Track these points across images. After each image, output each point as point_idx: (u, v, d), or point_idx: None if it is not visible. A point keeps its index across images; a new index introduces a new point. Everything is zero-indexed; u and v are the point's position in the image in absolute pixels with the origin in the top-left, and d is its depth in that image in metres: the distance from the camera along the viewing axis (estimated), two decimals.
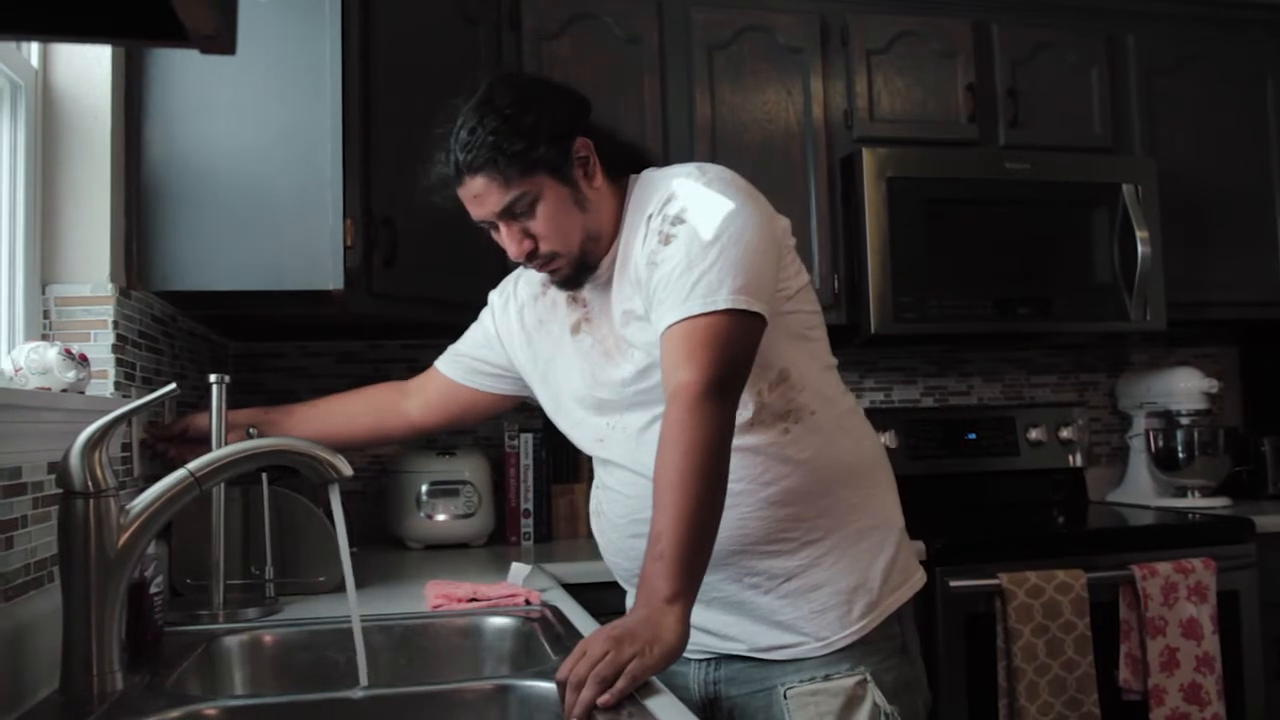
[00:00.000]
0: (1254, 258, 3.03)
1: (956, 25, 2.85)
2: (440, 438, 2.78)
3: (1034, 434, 3.06)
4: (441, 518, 2.49)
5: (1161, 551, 2.42)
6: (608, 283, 1.49)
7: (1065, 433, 3.09)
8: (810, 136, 2.74)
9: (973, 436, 3.04)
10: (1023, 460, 3.05)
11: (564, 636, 1.44)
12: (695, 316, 1.30)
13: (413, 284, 2.19)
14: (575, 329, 1.54)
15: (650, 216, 1.40)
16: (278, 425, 1.84)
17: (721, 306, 1.30)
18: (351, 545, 2.07)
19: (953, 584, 2.28)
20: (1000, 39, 2.88)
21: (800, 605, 1.41)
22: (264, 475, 1.81)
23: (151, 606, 1.36)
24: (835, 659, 1.40)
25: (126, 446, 1.70)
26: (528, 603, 1.66)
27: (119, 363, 1.69)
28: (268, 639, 1.51)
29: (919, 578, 1.55)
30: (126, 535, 1.19)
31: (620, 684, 1.07)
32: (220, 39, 0.86)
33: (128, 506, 1.21)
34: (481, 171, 1.39)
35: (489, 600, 1.65)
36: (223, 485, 1.71)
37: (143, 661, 1.31)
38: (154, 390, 1.86)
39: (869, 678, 1.40)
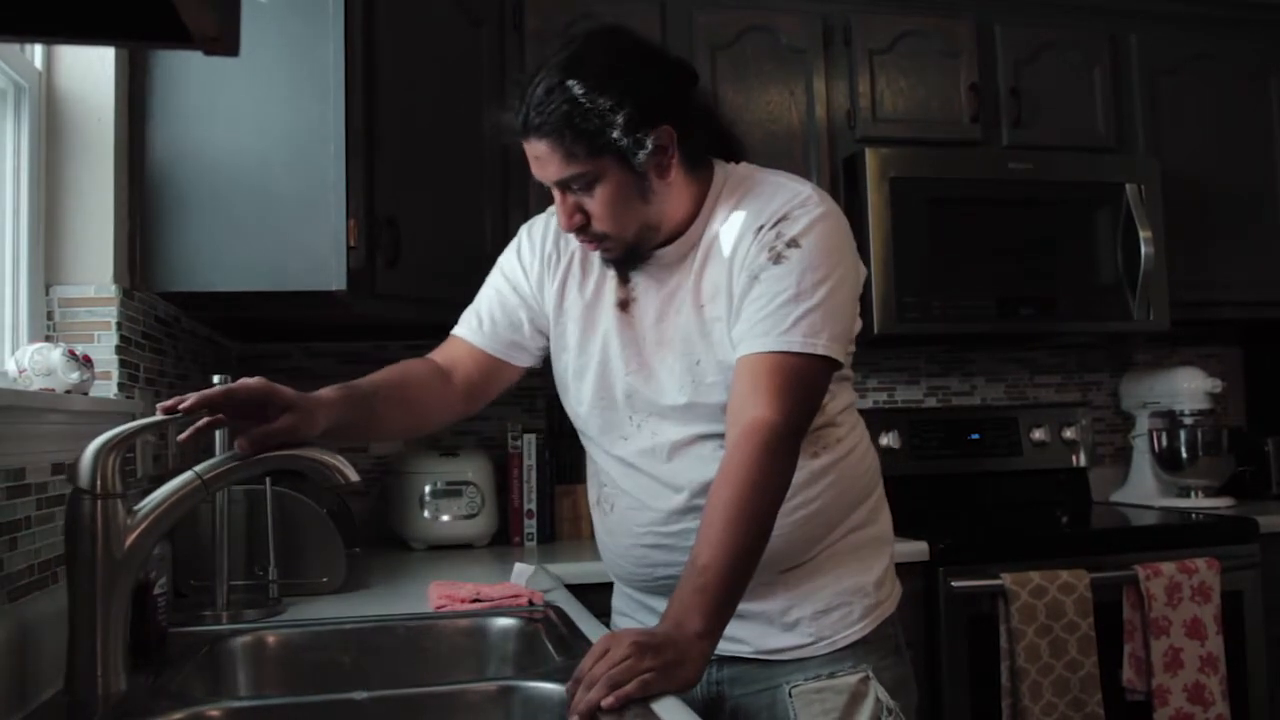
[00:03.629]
0: (1258, 257, 3.03)
1: (959, 25, 2.84)
2: (443, 438, 2.79)
3: (1037, 434, 3.06)
4: (445, 518, 2.49)
5: (1165, 552, 2.41)
6: (673, 270, 1.42)
7: (1068, 433, 3.09)
8: (813, 137, 2.73)
9: (976, 437, 3.04)
10: (1026, 460, 3.05)
11: (567, 637, 1.44)
12: (793, 354, 1.29)
13: (416, 285, 2.19)
14: (623, 306, 1.44)
15: (761, 229, 1.35)
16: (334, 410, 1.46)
17: (819, 351, 1.30)
18: (354, 546, 2.08)
19: (955, 584, 2.28)
20: (1003, 39, 2.88)
21: (805, 606, 1.42)
22: (267, 477, 1.81)
23: (155, 607, 1.36)
24: (838, 657, 1.41)
25: (131, 448, 1.70)
26: (531, 603, 1.66)
27: (122, 364, 1.69)
28: (271, 640, 1.51)
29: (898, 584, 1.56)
30: (133, 536, 1.19)
31: (629, 688, 1.06)
32: (223, 41, 0.86)
33: (135, 508, 1.21)
34: (547, 138, 1.31)
35: (492, 601, 1.66)
36: (227, 486, 1.71)
37: (147, 662, 1.31)
38: (156, 391, 1.87)
39: (871, 675, 1.41)
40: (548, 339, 1.54)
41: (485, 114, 2.48)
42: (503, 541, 2.60)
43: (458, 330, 1.59)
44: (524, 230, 1.58)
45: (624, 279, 1.45)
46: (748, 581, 1.24)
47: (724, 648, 1.42)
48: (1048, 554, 2.36)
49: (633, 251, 1.41)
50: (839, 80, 2.77)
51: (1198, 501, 2.92)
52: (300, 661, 1.51)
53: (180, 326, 2.07)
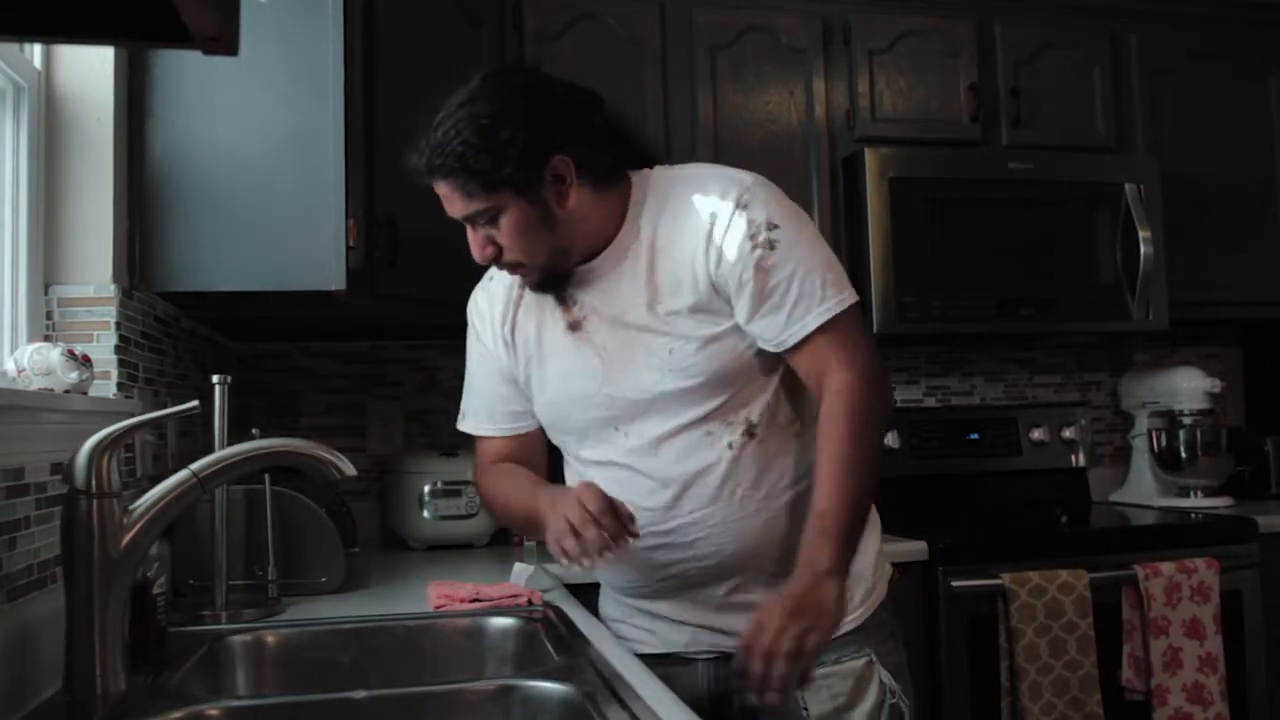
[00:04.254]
0: (1257, 257, 3.03)
1: (959, 25, 2.84)
2: (442, 438, 2.79)
3: (1036, 434, 3.06)
4: (443, 518, 2.49)
5: (1164, 551, 2.41)
6: (614, 279, 1.44)
7: (1068, 433, 3.09)
8: (813, 136, 2.73)
9: (975, 436, 3.03)
10: (1025, 460, 3.05)
11: (567, 637, 1.44)
12: (834, 317, 1.38)
13: (416, 284, 2.19)
14: (574, 327, 1.48)
15: (716, 217, 1.39)
16: None
17: (849, 301, 1.40)
18: (353, 546, 2.08)
19: (955, 584, 2.28)
20: (1003, 38, 2.88)
21: None
22: (266, 475, 1.81)
23: (154, 607, 1.36)
24: (841, 643, 1.42)
25: (130, 447, 1.70)
26: (530, 603, 1.66)
27: (122, 363, 1.69)
28: (270, 639, 1.51)
29: (889, 566, 1.62)
30: (130, 535, 1.19)
31: (807, 656, 1.22)
32: (222, 40, 0.86)
33: (131, 507, 1.21)
34: (447, 179, 1.37)
35: (491, 601, 1.66)
36: (225, 485, 1.71)
37: (146, 662, 1.31)
38: (155, 391, 1.87)
39: (874, 659, 1.46)
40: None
41: None
42: (502, 541, 2.60)
43: (495, 429, 1.63)
44: (472, 314, 1.63)
45: (564, 301, 1.48)
46: (863, 525, 1.37)
47: (729, 644, 1.42)
48: (1047, 554, 2.36)
49: (550, 275, 1.46)
50: (838, 80, 2.77)
51: (1197, 501, 2.92)
52: (299, 661, 1.51)
53: (180, 326, 2.07)
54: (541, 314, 1.51)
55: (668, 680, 1.38)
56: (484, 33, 2.51)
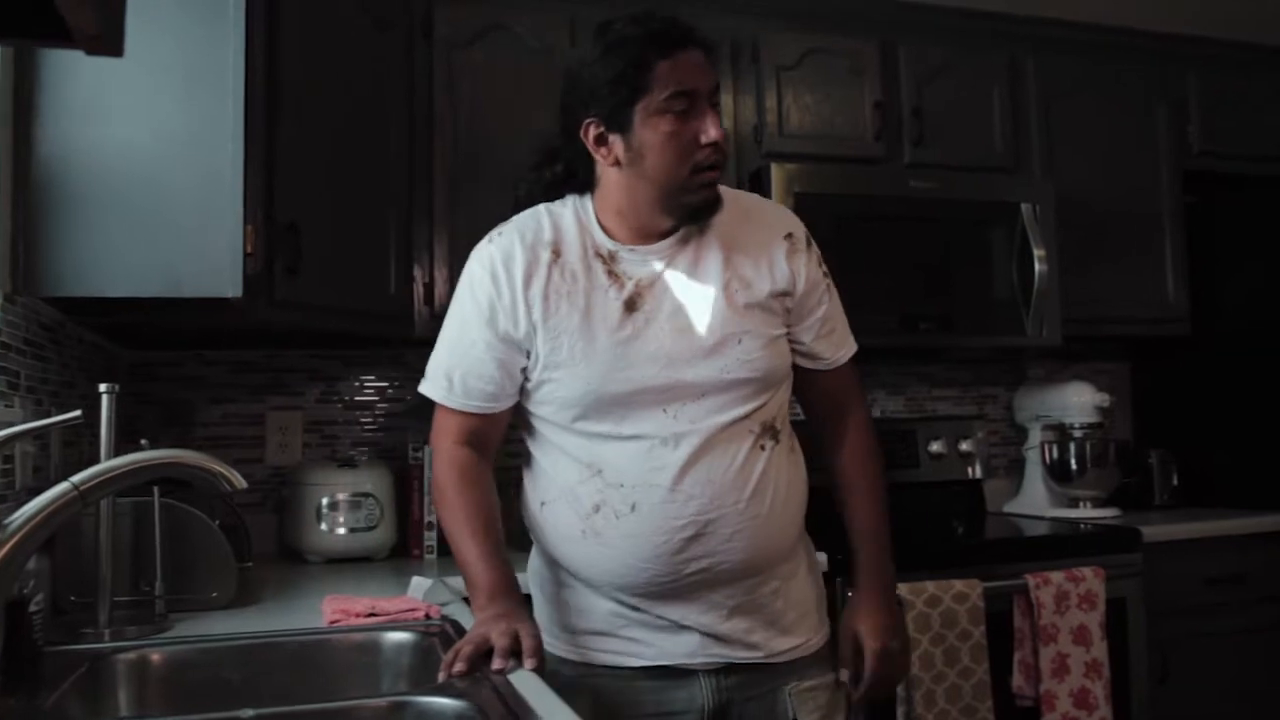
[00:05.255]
0: (1144, 277, 3.16)
1: (864, 45, 2.90)
2: (341, 449, 2.75)
3: (935, 446, 3.13)
4: (342, 531, 2.44)
5: (1054, 561, 2.49)
6: (686, 264, 1.48)
7: (965, 445, 3.16)
8: None
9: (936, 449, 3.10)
10: (924, 472, 3.11)
11: None
12: (854, 354, 1.63)
13: (318, 292, 2.15)
14: (630, 305, 1.45)
15: (791, 237, 1.54)
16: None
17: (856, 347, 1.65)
18: (247, 559, 2.03)
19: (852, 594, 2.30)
20: (906, 59, 2.94)
21: (793, 609, 1.54)
22: (155, 488, 1.76)
23: (30, 625, 1.31)
24: (819, 656, 1.57)
25: (9, 458, 1.64)
26: (428, 617, 1.64)
27: (2, 370, 1.62)
28: (156, 657, 1.47)
29: None
30: (4, 550, 1.14)
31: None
32: (105, 40, 0.83)
33: (6, 521, 1.16)
34: (704, 49, 1.42)
35: (388, 615, 1.63)
36: (111, 498, 1.65)
37: (20, 683, 1.26)
38: (39, 400, 1.80)
39: (839, 677, 1.59)
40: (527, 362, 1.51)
41: (393, 120, 2.45)
42: (402, 554, 2.57)
43: (466, 404, 1.53)
44: (477, 269, 1.51)
45: (614, 276, 1.47)
46: None
47: (735, 655, 1.49)
48: (942, 564, 2.41)
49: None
50: (746, 96, 2.80)
51: (1086, 512, 3.01)
52: (186, 680, 1.46)
53: (65, 332, 2.00)
54: (589, 285, 1.47)
55: (664, 692, 1.47)
56: (391, 38, 2.48)
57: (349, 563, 2.46)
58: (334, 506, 2.44)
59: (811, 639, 1.56)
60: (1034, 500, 3.20)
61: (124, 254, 1.81)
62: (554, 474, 1.51)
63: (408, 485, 2.59)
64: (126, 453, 1.31)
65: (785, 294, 1.51)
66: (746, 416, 1.46)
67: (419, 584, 1.81)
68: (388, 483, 2.53)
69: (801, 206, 2.67)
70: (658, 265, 1.48)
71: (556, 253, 1.48)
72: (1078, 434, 3.08)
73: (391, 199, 2.45)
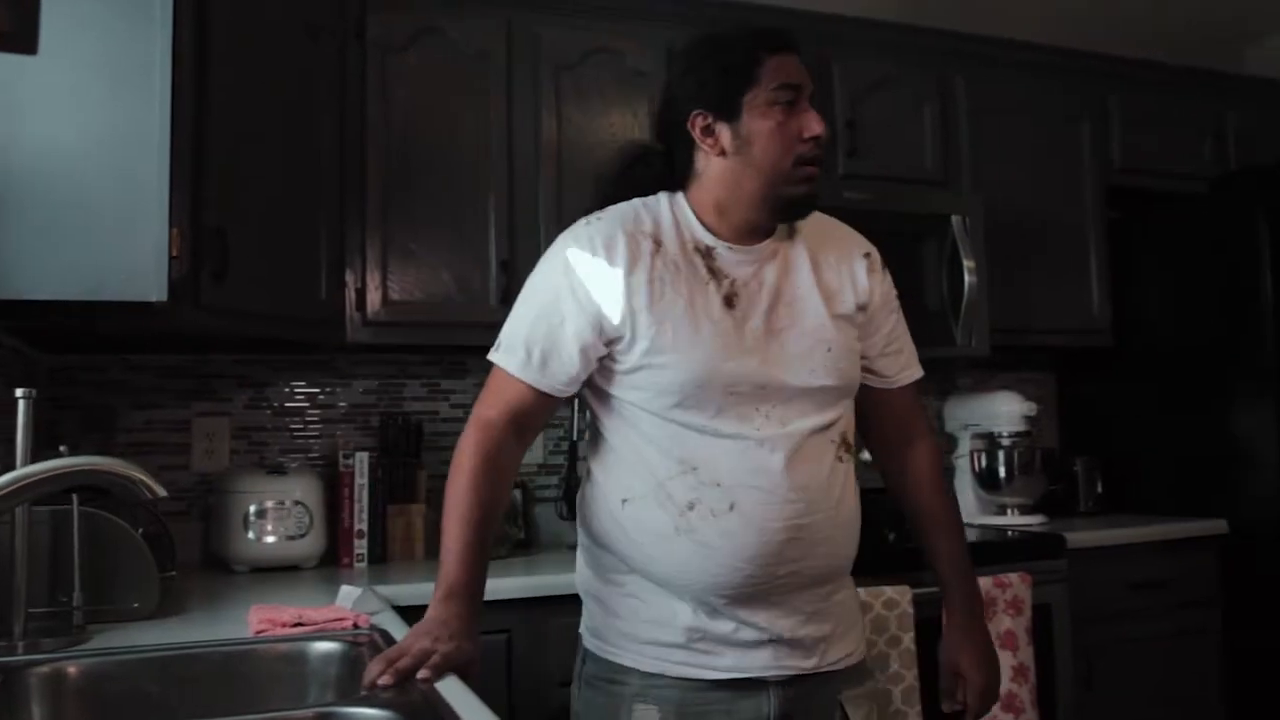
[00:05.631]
0: (1069, 289, 3.24)
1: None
2: (270, 456, 2.70)
3: (866, 454, 3.14)
4: (270, 539, 2.40)
5: (982, 567, 2.50)
6: (780, 270, 1.53)
7: None
8: None
9: None
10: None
11: None
12: (921, 377, 1.71)
13: (245, 298, 2.12)
14: (729, 301, 1.49)
15: (868, 257, 1.62)
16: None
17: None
18: (171, 569, 1.99)
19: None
20: (840, 74, 2.98)
21: (847, 617, 1.59)
22: (74, 495, 1.71)
23: None
24: (861, 665, 1.61)
25: None
26: (356, 626, 1.61)
27: None
28: (72, 670, 1.43)
29: None
30: None
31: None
32: (18, 37, 0.81)
33: None
34: (797, 53, 1.51)
35: (315, 625, 1.60)
36: (27, 506, 1.60)
37: None
38: None
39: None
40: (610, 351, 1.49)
41: (325, 124, 2.42)
42: (331, 563, 2.53)
43: (540, 381, 1.50)
44: (571, 245, 1.51)
45: (714, 274, 1.50)
46: None
47: (804, 665, 1.51)
48: (873, 570, 2.42)
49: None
50: None
51: (1013, 519, 3.07)
52: (104, 693, 1.42)
53: None
54: (691, 277, 1.49)
55: (733, 702, 1.47)
56: (323, 41, 2.45)
57: (277, 572, 2.41)
58: (262, 514, 2.40)
59: (860, 647, 1.61)
60: (964, 507, 3.19)
61: (44, 255, 1.77)
62: (639, 469, 1.49)
63: (338, 493, 2.56)
64: (46, 459, 1.28)
65: (863, 308, 1.58)
66: (828, 426, 1.51)
67: (348, 593, 1.79)
68: (318, 490, 2.50)
69: None
70: (752, 267, 1.52)
71: (658, 243, 1.50)
72: (1006, 443, 3.14)
73: (323, 203, 2.42)
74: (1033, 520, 3.04)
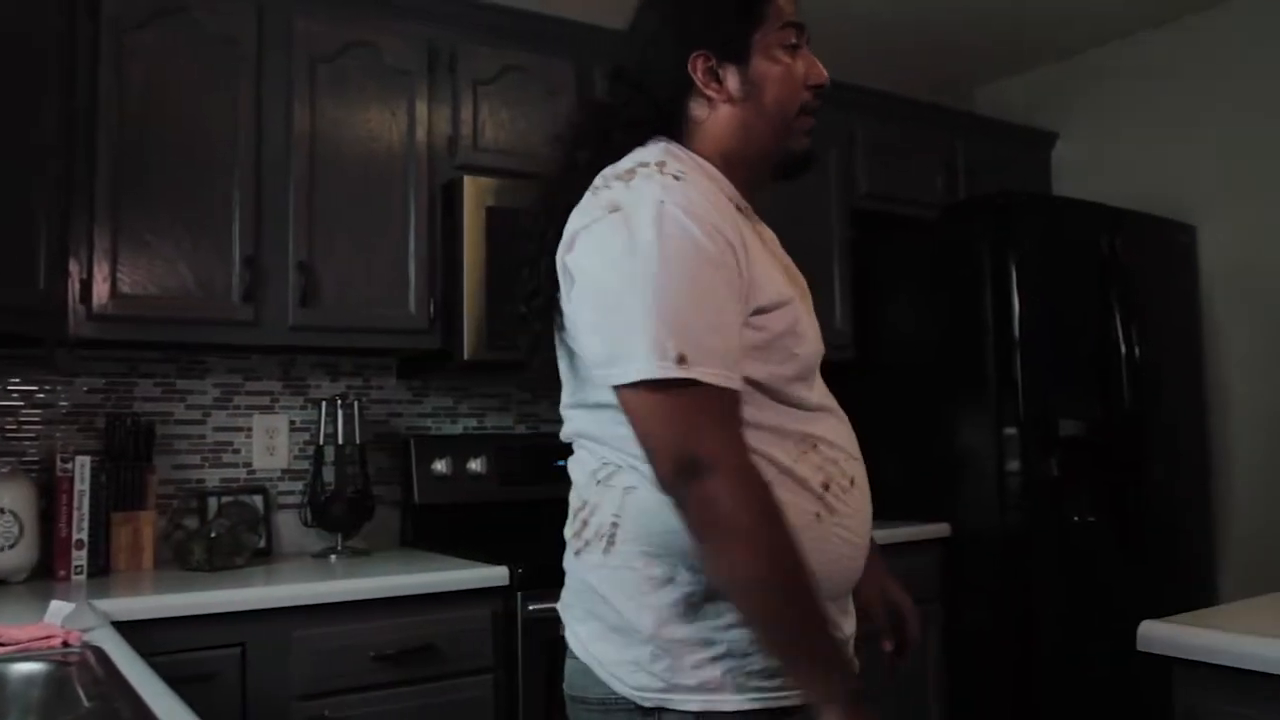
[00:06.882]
0: (817, 306, 3.39)
1: (559, 65, 2.95)
2: None
3: None
4: None
5: None
6: (773, 241, 1.38)
7: None
8: (412, 159, 2.71)
9: (562, 464, 3.11)
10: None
11: (104, 680, 1.31)
12: None
13: None
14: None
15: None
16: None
17: None
18: None
19: (531, 607, 2.32)
20: (601, 83, 3.02)
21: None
22: None
23: None
24: None
25: None
26: (66, 645, 1.49)
27: None
28: None
29: None
30: None
31: None
32: None
33: None
34: None
35: (17, 644, 1.47)
36: None
37: None
38: None
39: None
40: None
41: (49, 102, 2.23)
42: (46, 575, 2.33)
43: (738, 385, 1.17)
44: (681, 208, 1.16)
45: (761, 232, 1.35)
46: None
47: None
48: None
49: None
50: (442, 106, 2.78)
51: None
52: None
53: None
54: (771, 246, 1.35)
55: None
56: (49, 13, 2.25)
57: None
58: None
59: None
60: None
61: None
62: (761, 456, 1.19)
63: (55, 500, 2.36)
64: None
65: None
66: None
67: (58, 608, 1.65)
68: (30, 497, 2.29)
69: (493, 220, 2.69)
70: (759, 227, 1.35)
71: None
72: None
73: (44, 185, 2.22)
74: None
